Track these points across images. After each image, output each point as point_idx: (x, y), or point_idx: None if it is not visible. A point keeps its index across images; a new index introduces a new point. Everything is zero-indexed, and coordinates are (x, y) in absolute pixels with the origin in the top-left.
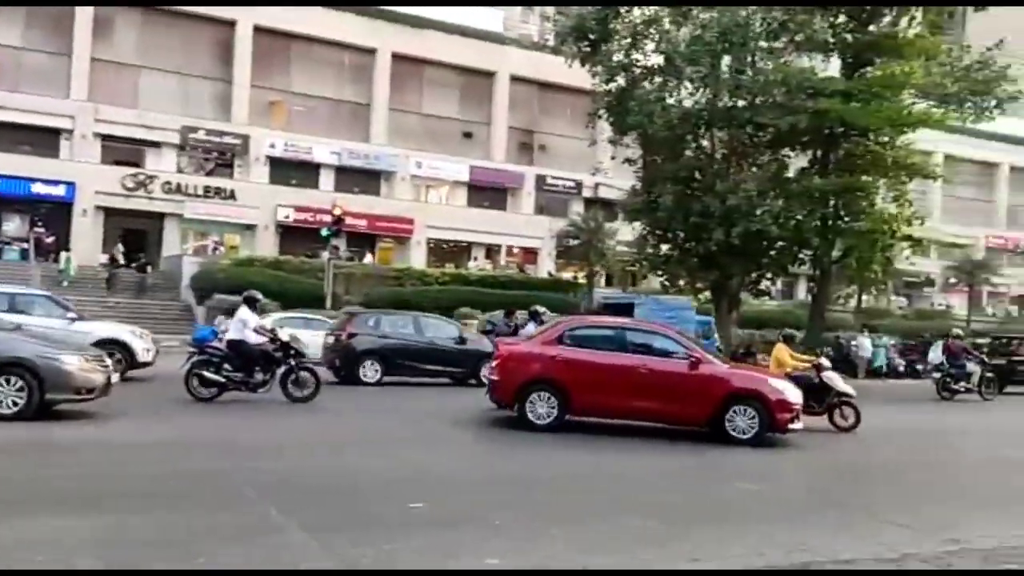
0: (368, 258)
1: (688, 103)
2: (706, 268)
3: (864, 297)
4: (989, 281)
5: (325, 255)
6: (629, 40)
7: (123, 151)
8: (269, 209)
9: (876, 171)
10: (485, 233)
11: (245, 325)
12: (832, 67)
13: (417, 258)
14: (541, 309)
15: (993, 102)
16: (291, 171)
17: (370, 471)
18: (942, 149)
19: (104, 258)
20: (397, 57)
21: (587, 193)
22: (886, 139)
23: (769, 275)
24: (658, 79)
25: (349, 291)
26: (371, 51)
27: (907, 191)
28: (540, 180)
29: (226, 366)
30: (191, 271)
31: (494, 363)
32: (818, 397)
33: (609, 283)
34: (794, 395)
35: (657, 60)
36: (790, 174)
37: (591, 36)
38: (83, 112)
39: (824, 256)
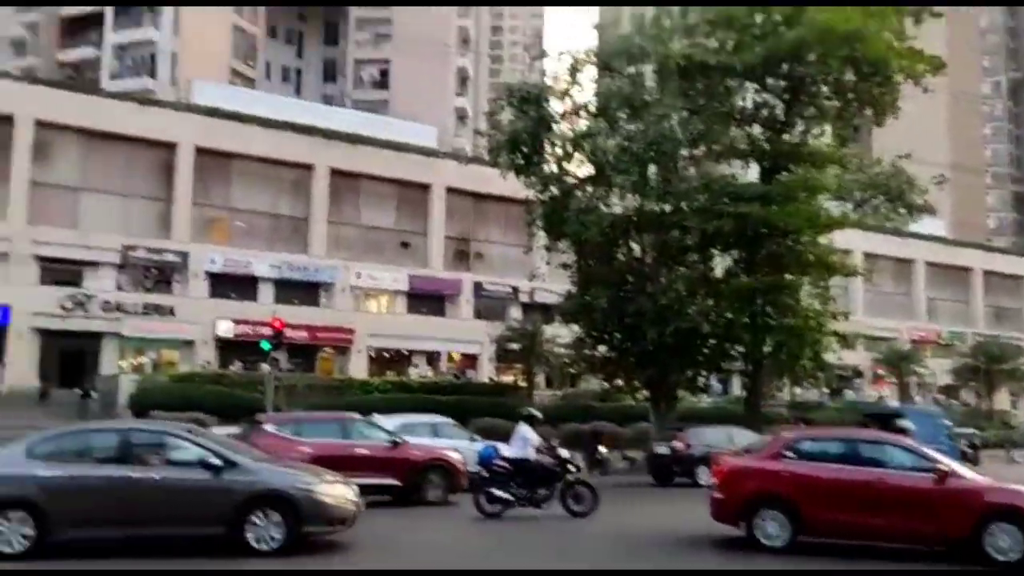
0: (309, 369)
1: (618, 209)
2: (642, 367)
3: (796, 390)
4: (915, 372)
5: (265, 367)
6: (561, 152)
7: (61, 272)
8: (208, 324)
9: (799, 270)
10: (425, 339)
11: (527, 442)
12: (752, 173)
13: (358, 367)
14: (537, 413)
15: (903, 210)
16: (230, 285)
17: None
18: (860, 247)
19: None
20: (335, 172)
21: (524, 298)
22: (806, 239)
23: (704, 372)
24: (590, 188)
25: (290, 403)
26: (309, 167)
27: (829, 288)
28: (478, 286)
29: (512, 483)
30: (129, 389)
31: (715, 479)
32: None
33: (549, 386)
34: None
35: (588, 170)
36: (718, 274)
37: (524, 149)
38: (21, 235)
39: (755, 352)
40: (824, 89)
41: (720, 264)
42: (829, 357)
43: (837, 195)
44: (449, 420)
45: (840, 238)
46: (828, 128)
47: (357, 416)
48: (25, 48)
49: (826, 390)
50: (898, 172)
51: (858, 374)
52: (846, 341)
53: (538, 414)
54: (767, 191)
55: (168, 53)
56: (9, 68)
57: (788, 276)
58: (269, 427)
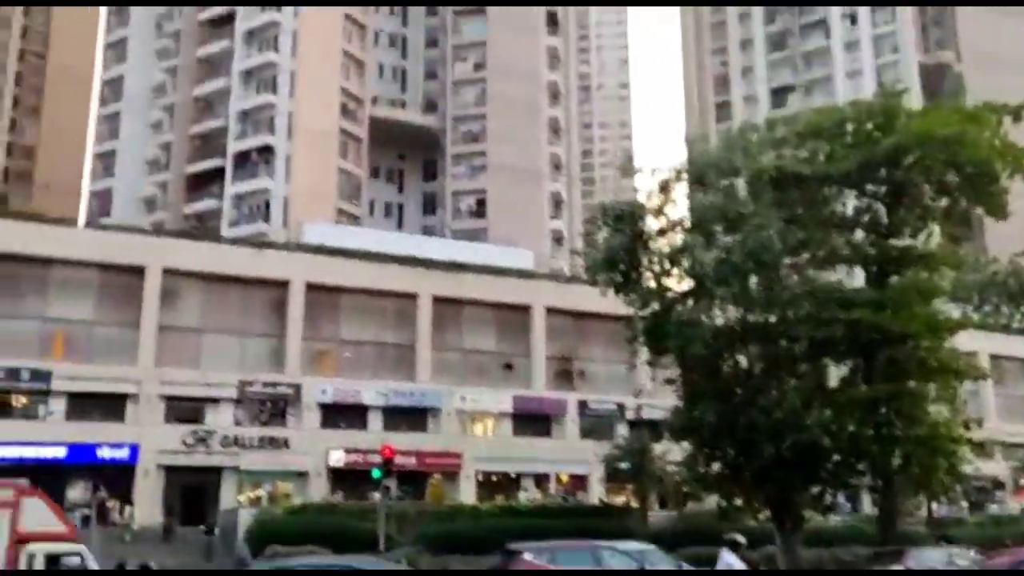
0: (419, 496)
1: (720, 321)
2: (761, 484)
3: (932, 506)
4: None
5: (376, 496)
6: (659, 267)
7: (184, 410)
8: (320, 454)
9: (922, 376)
10: (533, 461)
11: (731, 568)
12: (857, 279)
13: (467, 492)
14: (741, 539)
15: None
16: (340, 415)
17: None
18: (986, 349)
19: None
20: (437, 300)
21: (630, 415)
22: (927, 344)
23: (829, 489)
24: (690, 301)
25: (401, 531)
26: (412, 296)
27: (958, 394)
28: (582, 405)
29: None
30: (246, 523)
31: None
32: None
33: (663, 506)
34: None
35: (687, 283)
36: (832, 384)
37: (621, 266)
38: (150, 377)
39: (884, 466)
40: (927, 188)
41: (835, 374)
42: (966, 468)
43: (954, 297)
44: (653, 547)
45: (963, 340)
46: (936, 228)
47: (604, 544)
48: (156, 204)
49: (965, 504)
50: (1017, 269)
51: (998, 485)
52: (983, 449)
53: (742, 539)
54: (878, 296)
55: (280, 199)
56: (143, 223)
57: (911, 383)
58: (527, 556)
